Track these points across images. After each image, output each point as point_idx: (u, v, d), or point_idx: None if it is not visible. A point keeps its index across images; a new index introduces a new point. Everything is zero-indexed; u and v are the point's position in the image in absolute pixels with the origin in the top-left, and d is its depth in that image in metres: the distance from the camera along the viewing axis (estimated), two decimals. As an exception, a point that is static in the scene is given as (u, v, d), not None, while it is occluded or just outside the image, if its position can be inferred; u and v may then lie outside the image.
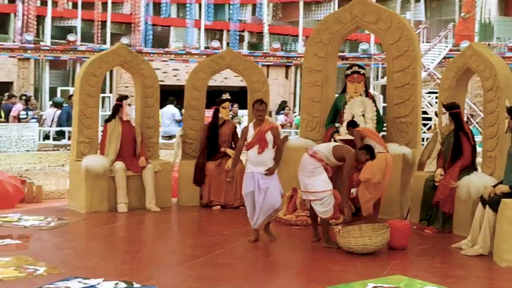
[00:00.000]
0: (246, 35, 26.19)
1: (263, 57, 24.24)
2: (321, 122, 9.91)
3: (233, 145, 10.02)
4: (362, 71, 9.36)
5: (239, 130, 9.65)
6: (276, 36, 26.73)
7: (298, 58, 24.18)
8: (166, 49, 22.92)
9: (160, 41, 24.66)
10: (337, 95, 9.95)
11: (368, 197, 7.94)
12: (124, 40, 22.65)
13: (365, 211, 8.00)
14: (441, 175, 8.14)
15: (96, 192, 9.04)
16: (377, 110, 9.27)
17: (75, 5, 23.61)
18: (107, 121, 9.49)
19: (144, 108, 9.93)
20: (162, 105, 13.34)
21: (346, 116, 9.14)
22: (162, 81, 17.66)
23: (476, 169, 8.15)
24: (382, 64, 20.85)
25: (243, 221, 7.95)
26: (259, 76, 10.38)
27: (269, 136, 7.09)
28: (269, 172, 7.08)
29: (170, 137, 16.71)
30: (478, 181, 7.66)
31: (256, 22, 26.75)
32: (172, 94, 18.16)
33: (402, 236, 6.92)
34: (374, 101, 9.38)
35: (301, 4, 25.48)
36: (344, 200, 7.07)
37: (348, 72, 9.35)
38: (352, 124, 8.58)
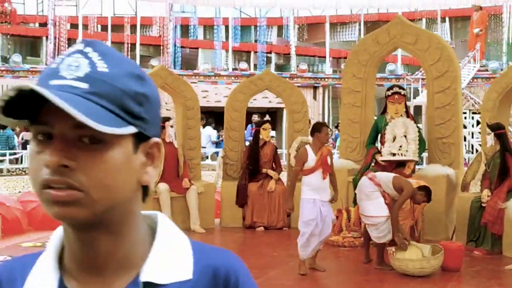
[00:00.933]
0: (273, 56, 26.34)
1: (290, 78, 24.30)
2: (360, 143, 9.93)
3: (274, 166, 10.08)
4: (402, 91, 9.38)
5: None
6: (303, 57, 26.86)
7: (326, 79, 24.24)
8: (195, 71, 23.09)
9: (188, 63, 24.87)
10: (377, 116, 9.98)
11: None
12: (154, 62, 22.86)
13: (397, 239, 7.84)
14: (488, 196, 8.13)
15: (141, 213, 9.09)
16: (419, 131, 9.28)
17: (104, 28, 23.93)
18: (149, 142, 9.57)
19: (185, 130, 10.03)
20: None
21: (388, 137, 9.16)
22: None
23: (524, 190, 8.13)
24: (413, 84, 20.80)
25: (290, 242, 8.06)
26: (298, 98, 10.45)
27: (329, 161, 7.02)
28: (334, 200, 7.04)
29: (206, 157, 16.86)
30: (528, 202, 7.65)
31: (282, 44, 26.92)
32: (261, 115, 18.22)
33: (456, 258, 6.89)
34: (415, 122, 9.40)
35: (327, 25, 25.60)
36: (395, 229, 6.97)
37: (389, 93, 9.37)
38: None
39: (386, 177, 7.10)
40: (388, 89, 9.50)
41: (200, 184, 9.79)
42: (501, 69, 23.17)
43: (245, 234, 9.38)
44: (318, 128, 7.13)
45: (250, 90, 10.40)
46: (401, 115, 9.27)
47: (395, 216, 6.95)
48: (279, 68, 26.34)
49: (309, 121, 10.68)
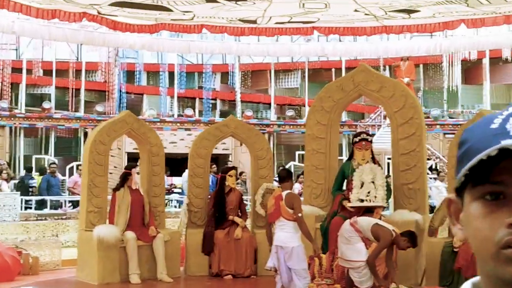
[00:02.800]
0: (218, 103, 26.37)
1: (236, 125, 24.44)
2: (325, 189, 9.95)
3: (239, 213, 9.98)
4: (370, 138, 9.50)
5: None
6: (248, 104, 27.00)
7: (271, 126, 24.39)
8: (140, 117, 22.82)
9: (133, 108, 24.59)
10: (344, 162, 10.06)
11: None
12: (99, 107, 22.59)
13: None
14: (460, 241, 8.22)
15: (108, 263, 8.85)
16: (387, 177, 9.38)
17: (46, 73, 23.51)
18: (115, 189, 9.37)
19: (150, 176, 9.86)
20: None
21: (356, 183, 9.20)
22: (136, 148, 17.55)
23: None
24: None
25: None
26: (262, 144, 10.46)
27: None
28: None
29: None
30: (500, 246, 7.76)
31: (227, 90, 27.02)
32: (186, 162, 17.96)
33: (437, 303, 6.92)
34: (382, 168, 9.51)
35: (272, 72, 25.87)
36: (377, 279, 6.97)
37: (356, 139, 9.46)
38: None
39: (367, 224, 7.12)
40: (355, 136, 9.61)
41: (166, 232, 9.60)
42: (442, 116, 23.89)
43: (214, 283, 9.23)
44: (291, 174, 7.27)
45: (215, 136, 10.35)
46: (368, 161, 9.36)
47: (371, 265, 6.97)
48: (224, 114, 26.37)
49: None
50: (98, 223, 9.13)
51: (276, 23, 13.46)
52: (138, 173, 9.51)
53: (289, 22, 13.28)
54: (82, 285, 8.72)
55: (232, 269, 9.58)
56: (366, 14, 11.96)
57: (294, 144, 25.27)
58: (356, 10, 11.57)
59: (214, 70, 26.80)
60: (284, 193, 6.95)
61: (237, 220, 9.80)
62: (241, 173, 17.21)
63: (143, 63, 25.47)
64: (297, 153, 23.61)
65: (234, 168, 10.36)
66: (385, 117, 22.28)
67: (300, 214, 6.87)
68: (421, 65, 26.67)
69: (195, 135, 22.81)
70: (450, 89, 25.25)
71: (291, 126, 24.72)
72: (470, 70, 26.69)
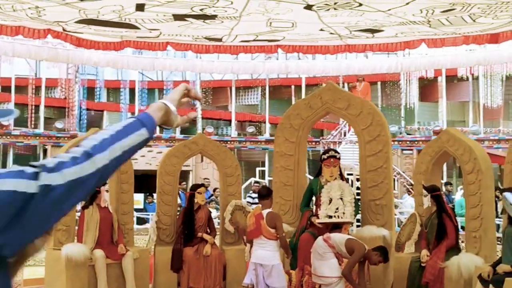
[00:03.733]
0: (179, 119, 26.33)
1: (197, 141, 24.42)
2: (293, 205, 10.04)
3: (208, 230, 9.98)
4: (338, 155, 9.62)
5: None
6: (208, 120, 27.05)
7: (232, 142, 24.45)
8: (101, 134, 22.64)
9: (93, 125, 24.41)
10: (311, 179, 10.17)
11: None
12: (58, 124, 22.35)
13: None
14: (427, 256, 8.40)
15: (76, 281, 8.76)
16: (354, 194, 9.51)
17: (4, 89, 23.21)
18: (84, 207, 9.29)
19: (119, 194, 9.81)
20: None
21: (324, 199, 9.30)
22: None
23: (459, 249, 8.46)
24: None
25: None
26: (231, 161, 10.49)
27: None
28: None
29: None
30: (468, 261, 7.97)
31: (188, 107, 27.03)
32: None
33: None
34: (351, 185, 9.64)
35: (233, 89, 25.99)
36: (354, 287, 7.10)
37: (325, 156, 9.58)
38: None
39: (340, 239, 7.23)
40: (324, 153, 9.73)
41: (135, 249, 9.56)
42: (400, 133, 24.28)
43: (184, 301, 9.18)
44: (271, 192, 7.34)
45: (183, 154, 10.35)
46: (336, 178, 9.48)
47: (349, 278, 7.07)
48: (184, 131, 26.35)
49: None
50: (66, 242, 9.04)
51: (241, 41, 13.58)
52: (107, 191, 9.45)
53: (254, 40, 13.41)
54: (50, 305, 8.62)
55: (201, 286, 9.56)
56: (331, 33, 12.17)
57: (254, 160, 25.38)
58: (321, 29, 11.76)
59: (175, 87, 26.78)
60: (264, 212, 7.02)
61: (206, 237, 9.79)
62: (215, 189, 17.20)
63: (104, 80, 25.32)
64: (257, 169, 23.72)
65: (203, 185, 10.36)
66: (345, 134, 22.61)
67: (283, 234, 6.96)
68: (379, 83, 27.14)
69: (156, 151, 22.94)
70: (407, 106, 25.74)
71: (252, 143, 24.81)
72: (426, 88, 27.23)
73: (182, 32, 12.23)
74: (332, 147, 20.18)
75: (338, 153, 9.73)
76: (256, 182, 19.85)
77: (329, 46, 14.06)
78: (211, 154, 10.45)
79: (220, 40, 13.24)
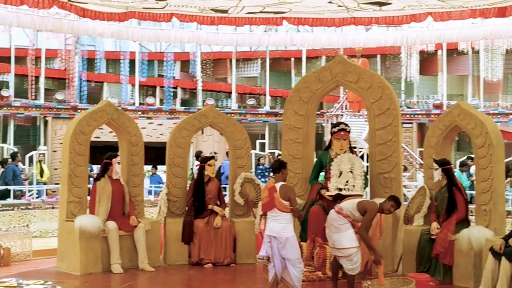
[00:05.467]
0: (179, 91, 26.26)
1: (198, 114, 24.42)
2: (302, 178, 10.11)
3: (218, 202, 10.05)
4: (348, 128, 9.66)
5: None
6: (209, 92, 26.99)
7: (232, 114, 24.43)
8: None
9: (92, 97, 24.35)
10: (321, 152, 10.22)
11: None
12: (59, 96, 22.25)
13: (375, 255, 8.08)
14: (437, 228, 8.50)
15: (90, 253, 8.83)
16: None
17: (3, 60, 23.03)
18: (96, 179, 9.34)
19: (130, 166, 9.85)
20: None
21: (334, 172, 9.36)
22: (98, 137, 17.43)
23: (469, 222, 8.56)
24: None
25: (248, 279, 8.66)
26: (241, 134, 10.52)
27: None
28: None
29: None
30: (478, 234, 8.08)
31: (188, 79, 26.93)
32: (109, 150, 17.79)
33: (424, 289, 7.17)
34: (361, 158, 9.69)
35: (233, 61, 25.89)
36: (370, 248, 7.23)
37: (335, 129, 9.62)
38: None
39: (352, 205, 7.34)
40: (334, 126, 9.77)
41: (147, 221, 9.62)
42: (400, 106, 24.26)
43: (196, 271, 9.28)
44: (285, 165, 7.38)
45: (193, 126, 10.37)
46: (346, 151, 9.53)
47: (365, 237, 7.18)
48: (184, 103, 26.32)
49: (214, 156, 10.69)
50: (79, 213, 9.09)
51: (247, 13, 13.51)
52: (118, 163, 9.48)
53: (260, 12, 13.35)
54: (65, 276, 8.66)
55: (212, 257, 9.66)
56: (339, 6, 12.13)
57: (254, 132, 25.36)
58: (330, 2, 11.73)
59: (175, 59, 26.67)
60: (278, 185, 7.07)
61: (216, 209, 9.87)
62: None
63: (104, 51, 25.17)
64: (257, 141, 23.73)
65: (212, 157, 10.40)
66: (346, 107, 22.61)
67: (297, 206, 7.05)
68: (378, 56, 27.08)
69: (157, 123, 22.92)
70: (408, 80, 25.74)
71: (252, 115, 24.82)
72: (426, 61, 27.17)
73: (189, 3, 12.16)
74: (335, 120, 20.23)
75: (348, 126, 9.76)
76: (260, 157, 19.91)
77: (335, 18, 14.02)
78: (220, 127, 10.47)
79: (226, 11, 13.17)
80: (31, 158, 19.90)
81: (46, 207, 14.86)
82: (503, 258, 7.04)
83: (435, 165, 8.76)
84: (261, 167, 18.69)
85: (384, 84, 9.89)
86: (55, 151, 21.47)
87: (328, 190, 9.34)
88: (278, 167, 7.29)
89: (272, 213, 7.07)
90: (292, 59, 27.93)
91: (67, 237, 9.02)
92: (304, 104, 10.19)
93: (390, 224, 9.11)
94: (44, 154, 20.53)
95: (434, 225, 8.56)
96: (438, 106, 24.28)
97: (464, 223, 8.47)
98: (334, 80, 10.08)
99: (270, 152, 22.76)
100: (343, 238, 7.14)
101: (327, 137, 21.32)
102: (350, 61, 10.18)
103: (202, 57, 26.00)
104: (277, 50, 27.00)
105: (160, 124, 22.97)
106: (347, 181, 9.24)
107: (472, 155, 12.58)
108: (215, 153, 19.78)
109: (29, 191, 17.05)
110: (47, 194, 16.54)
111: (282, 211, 7.03)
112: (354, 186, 9.18)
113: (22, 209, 13.96)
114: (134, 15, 13.45)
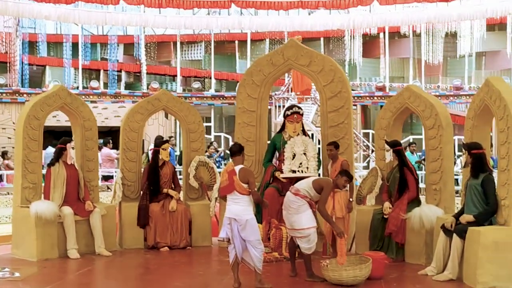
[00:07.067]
0: (123, 74, 26.02)
1: (143, 97, 24.22)
2: (256, 161, 10.23)
3: (173, 186, 10.09)
4: (301, 111, 9.81)
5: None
6: (153, 76, 26.82)
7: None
8: (44, 89, 22.21)
9: (34, 81, 23.94)
10: (274, 134, 10.35)
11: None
12: (0, 79, 21.79)
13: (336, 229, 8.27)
14: (389, 208, 8.76)
15: (46, 239, 8.75)
16: (318, 149, 9.76)
17: None
18: (50, 165, 9.24)
19: (84, 151, 9.77)
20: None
21: (287, 155, 9.52)
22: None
23: (420, 202, 8.84)
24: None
25: (206, 261, 8.72)
26: (195, 118, 10.56)
27: None
28: None
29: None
30: (429, 212, 8.36)
31: (132, 62, 26.70)
32: (51, 135, 17.55)
33: (380, 267, 7.39)
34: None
35: (178, 44, 25.77)
36: (331, 223, 7.48)
37: (288, 112, 9.76)
38: (336, 145, 8.98)
39: (306, 184, 7.50)
40: (287, 109, 9.91)
41: (102, 206, 9.59)
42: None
43: (153, 255, 9.28)
44: (243, 148, 7.47)
45: (147, 110, 10.35)
46: (298, 134, 9.69)
47: (325, 213, 7.39)
48: (129, 86, 26.10)
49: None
50: (34, 199, 8.99)
51: (196, -4, 13.52)
52: (73, 148, 9.40)
53: (209, -5, 13.37)
54: (21, 262, 8.53)
55: (168, 241, 9.70)
56: (288, -10, 12.24)
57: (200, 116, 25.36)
58: (280, -14, 11.84)
59: (119, 41, 26.38)
60: (237, 168, 7.15)
61: (172, 192, 9.90)
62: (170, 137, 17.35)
63: (46, 34, 24.69)
64: (204, 124, 23.73)
65: (167, 141, 10.42)
66: (291, 90, 22.81)
67: (255, 189, 7.13)
68: (321, 39, 27.39)
69: (102, 107, 22.68)
70: (351, 63, 26.15)
71: (197, 98, 24.82)
72: (368, 44, 27.64)
73: (138, -13, 12.09)
74: (282, 103, 20.43)
75: (301, 109, 9.90)
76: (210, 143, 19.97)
77: (282, 2, 14.16)
78: (174, 111, 10.48)
79: (175, -5, 13.15)
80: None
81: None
82: (454, 235, 7.31)
83: (387, 147, 9.00)
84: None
85: (336, 67, 10.07)
86: (-3, 136, 21.08)
87: (282, 172, 9.50)
88: (238, 150, 7.37)
89: (232, 196, 7.15)
90: (236, 42, 28.00)
91: (22, 223, 8.92)
92: (257, 87, 10.28)
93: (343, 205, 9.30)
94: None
95: (386, 204, 8.81)
96: (380, 88, 24.78)
97: (415, 202, 8.74)
98: (287, 64, 10.20)
99: (215, 135, 22.82)
100: (302, 219, 7.29)
101: (275, 120, 21.58)
102: (302, 45, 10.29)
103: (145, 40, 25.80)
104: (221, 33, 27.01)
105: (105, 108, 22.75)
106: (300, 163, 9.42)
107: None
108: (170, 137, 19.72)
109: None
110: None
111: (241, 194, 7.12)
112: (307, 168, 9.36)
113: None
114: (81, -3, 13.28)
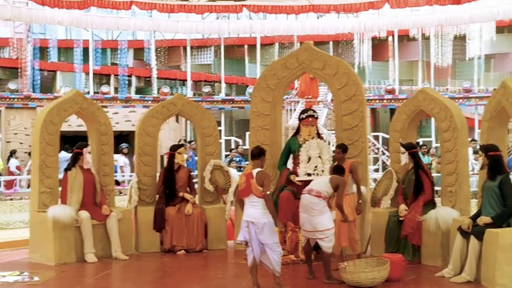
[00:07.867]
0: (133, 79, 26.12)
1: (154, 102, 24.31)
2: (271, 165, 10.24)
3: (188, 190, 10.14)
4: (316, 114, 9.86)
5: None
6: (163, 80, 26.92)
7: (188, 102, 24.44)
8: (56, 94, 22.35)
9: (45, 86, 24.07)
10: (289, 138, 10.38)
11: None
12: (11, 85, 21.91)
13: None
14: (405, 210, 8.78)
15: (64, 243, 8.81)
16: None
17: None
18: (66, 169, 9.30)
19: (100, 156, 9.84)
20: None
21: (303, 158, 9.55)
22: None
23: (435, 204, 8.86)
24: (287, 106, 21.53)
25: (222, 264, 8.77)
26: (209, 122, 10.61)
27: None
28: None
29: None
30: (445, 214, 8.38)
31: (142, 67, 26.81)
32: (62, 139, 17.66)
33: (398, 269, 7.42)
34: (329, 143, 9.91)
35: (188, 48, 25.86)
36: (342, 214, 7.70)
37: (303, 116, 9.79)
38: (344, 149, 9.00)
39: (324, 184, 7.59)
40: (302, 112, 9.94)
41: (118, 210, 9.65)
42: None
43: (169, 258, 9.34)
44: (264, 152, 7.48)
45: (162, 114, 10.41)
46: (313, 137, 9.72)
47: (341, 206, 7.54)
48: (139, 91, 26.20)
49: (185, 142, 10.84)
50: (51, 204, 9.06)
51: (208, 0, 13.58)
52: (89, 153, 9.46)
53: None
54: (39, 266, 8.60)
55: (184, 244, 9.75)
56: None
57: (210, 120, 25.40)
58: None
59: (129, 46, 26.50)
60: (254, 171, 7.18)
61: (187, 196, 9.96)
62: (190, 142, 17.31)
63: (57, 39, 24.83)
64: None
65: (182, 145, 10.47)
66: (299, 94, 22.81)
67: (268, 192, 7.09)
68: (331, 42, 27.46)
69: (112, 112, 22.74)
70: (360, 66, 26.17)
71: (207, 102, 24.88)
72: (377, 47, 27.66)
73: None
74: (293, 106, 20.46)
75: (316, 112, 9.95)
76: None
77: (294, 6, 14.20)
78: (189, 115, 10.54)
79: None
80: (-13, 149, 19.61)
81: (5, 198, 14.71)
82: (472, 237, 7.32)
83: (402, 149, 9.02)
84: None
85: (350, 70, 10.11)
86: (8, 142, 21.16)
87: (297, 176, 9.53)
88: (258, 153, 7.39)
89: (250, 199, 7.18)
90: (246, 46, 28.06)
91: (40, 227, 8.98)
92: (271, 91, 10.32)
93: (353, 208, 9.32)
94: (-2, 144, 20.24)
95: (402, 207, 8.84)
96: (390, 91, 24.77)
97: (431, 204, 8.76)
98: (301, 67, 10.25)
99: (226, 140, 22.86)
100: (325, 220, 7.41)
101: (286, 124, 21.59)
102: (316, 49, 10.33)
103: (155, 45, 25.90)
104: (230, 38, 27.09)
105: (116, 113, 22.81)
106: (316, 166, 9.45)
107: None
108: (185, 140, 19.76)
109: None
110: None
111: (259, 197, 7.15)
112: (323, 171, 9.39)
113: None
114: (93, 3, 13.38)
